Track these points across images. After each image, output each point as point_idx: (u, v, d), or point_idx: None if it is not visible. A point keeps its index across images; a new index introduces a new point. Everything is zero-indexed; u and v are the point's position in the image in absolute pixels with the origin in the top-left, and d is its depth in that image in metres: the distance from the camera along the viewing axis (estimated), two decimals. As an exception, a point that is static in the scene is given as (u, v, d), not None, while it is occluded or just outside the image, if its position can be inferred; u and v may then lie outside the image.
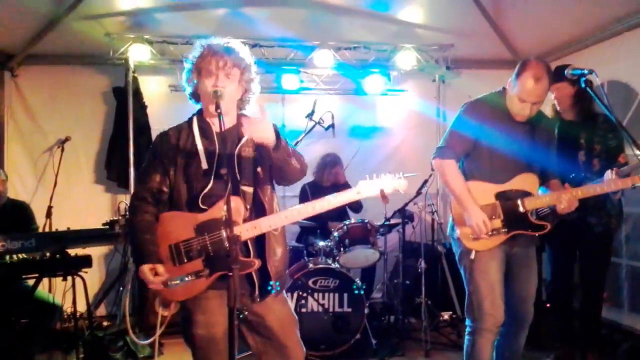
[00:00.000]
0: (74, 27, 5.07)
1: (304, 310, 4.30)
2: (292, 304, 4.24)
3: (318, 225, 4.88)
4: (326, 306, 4.34)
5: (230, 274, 2.17)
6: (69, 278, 3.62)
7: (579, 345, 3.90)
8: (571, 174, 3.64)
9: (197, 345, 2.45)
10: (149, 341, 2.63)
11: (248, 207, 2.44)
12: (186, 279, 2.34)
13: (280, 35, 5.59)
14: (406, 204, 4.71)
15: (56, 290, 3.92)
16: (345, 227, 4.67)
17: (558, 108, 3.81)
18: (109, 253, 5.45)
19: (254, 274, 2.42)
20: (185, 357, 2.68)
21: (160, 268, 2.36)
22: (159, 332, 2.45)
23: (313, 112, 4.37)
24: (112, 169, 5.62)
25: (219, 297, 2.39)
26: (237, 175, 2.44)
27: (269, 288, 2.46)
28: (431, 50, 5.87)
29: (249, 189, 2.47)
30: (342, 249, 4.57)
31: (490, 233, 2.94)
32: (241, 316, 2.43)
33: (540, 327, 4.45)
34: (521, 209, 2.97)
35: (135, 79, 5.56)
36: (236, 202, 2.36)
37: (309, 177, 5.62)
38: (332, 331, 4.32)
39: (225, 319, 2.35)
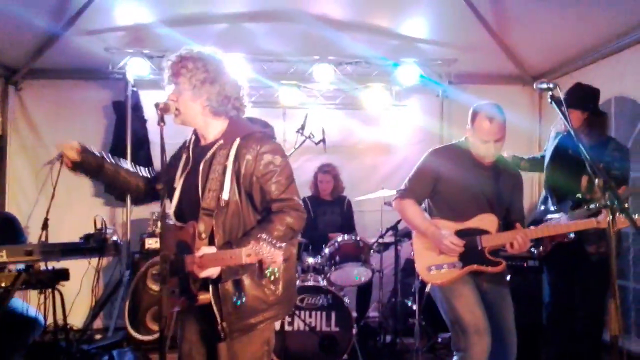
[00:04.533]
0: (74, 42, 5.11)
1: (289, 328, 4.20)
2: (277, 323, 4.16)
3: (310, 240, 4.79)
4: (313, 325, 4.22)
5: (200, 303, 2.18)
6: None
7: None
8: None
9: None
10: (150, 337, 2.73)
11: (204, 236, 2.21)
12: (174, 291, 2.21)
13: (280, 50, 5.57)
14: (398, 222, 4.58)
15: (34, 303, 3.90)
16: (336, 243, 4.57)
17: (563, 130, 3.76)
18: (109, 265, 5.47)
19: (214, 309, 2.22)
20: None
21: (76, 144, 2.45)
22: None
23: (303, 126, 4.29)
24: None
25: (192, 315, 2.39)
26: (199, 196, 2.24)
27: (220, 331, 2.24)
28: (434, 64, 5.76)
29: (208, 217, 2.22)
30: (332, 266, 4.46)
31: (445, 267, 3.00)
32: None
33: (539, 352, 4.29)
34: (478, 246, 3.00)
35: (135, 93, 5.61)
36: (195, 228, 2.21)
37: (308, 192, 5.56)
38: (319, 351, 4.20)
39: (192, 337, 2.41)
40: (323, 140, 4.43)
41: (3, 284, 3.47)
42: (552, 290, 3.95)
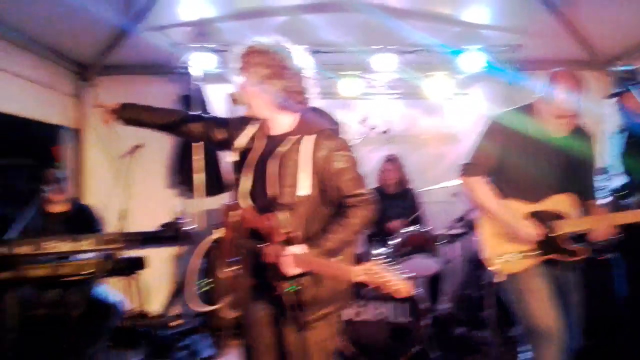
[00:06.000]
0: (142, 38, 5.27)
1: (361, 318, 4.21)
2: (351, 311, 4.18)
3: (373, 233, 4.79)
4: (385, 315, 4.24)
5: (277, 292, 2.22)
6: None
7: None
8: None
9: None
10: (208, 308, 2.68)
11: (283, 231, 2.24)
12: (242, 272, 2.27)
13: (340, 40, 5.57)
14: (467, 213, 4.53)
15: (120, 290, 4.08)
16: (404, 235, 4.55)
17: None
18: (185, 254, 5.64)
19: (288, 300, 2.28)
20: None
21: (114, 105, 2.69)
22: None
23: (366, 117, 4.28)
24: (181, 175, 5.81)
25: (259, 300, 2.42)
26: (269, 188, 2.28)
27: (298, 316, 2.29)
28: (498, 51, 5.63)
29: (284, 211, 2.25)
30: (400, 257, 4.47)
31: (517, 256, 2.80)
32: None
33: (616, 348, 4.17)
34: (557, 232, 2.80)
35: (200, 88, 5.73)
36: (276, 220, 2.24)
37: (374, 183, 5.54)
38: (391, 341, 4.20)
39: (259, 322, 2.42)
40: (386, 131, 4.39)
41: (88, 272, 3.64)
42: (630, 282, 3.80)
